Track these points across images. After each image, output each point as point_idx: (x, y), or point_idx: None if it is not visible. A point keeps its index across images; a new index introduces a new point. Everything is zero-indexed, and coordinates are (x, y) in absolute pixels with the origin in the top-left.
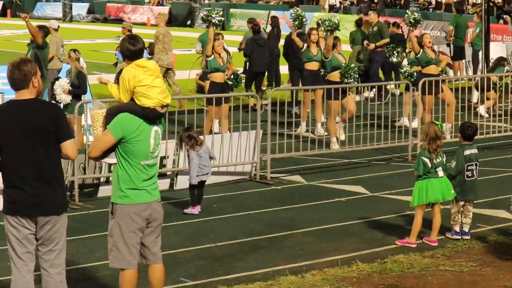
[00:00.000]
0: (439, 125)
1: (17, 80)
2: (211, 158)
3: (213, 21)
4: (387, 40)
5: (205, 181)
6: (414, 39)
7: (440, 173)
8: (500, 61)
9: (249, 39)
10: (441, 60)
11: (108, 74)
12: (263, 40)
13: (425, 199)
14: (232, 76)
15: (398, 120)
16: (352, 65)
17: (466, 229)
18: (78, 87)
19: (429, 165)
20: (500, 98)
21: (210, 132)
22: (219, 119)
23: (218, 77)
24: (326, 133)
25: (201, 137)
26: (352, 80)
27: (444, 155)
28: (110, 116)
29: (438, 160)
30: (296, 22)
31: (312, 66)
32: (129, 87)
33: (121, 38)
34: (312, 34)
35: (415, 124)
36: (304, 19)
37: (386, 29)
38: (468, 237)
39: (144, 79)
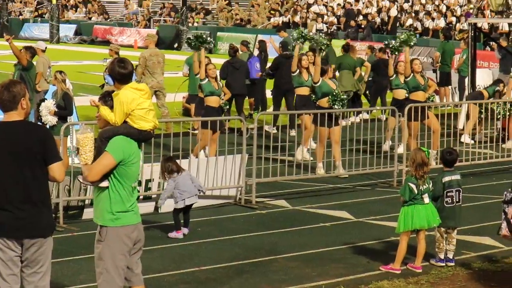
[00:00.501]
0: (426, 152)
1: (6, 101)
2: (200, 191)
3: (205, 45)
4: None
5: (190, 205)
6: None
7: (426, 199)
8: (498, 82)
9: (225, 62)
10: (429, 86)
11: (95, 95)
12: (239, 63)
13: (410, 225)
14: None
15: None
16: (341, 91)
17: (450, 255)
18: (64, 109)
19: (415, 191)
20: (486, 124)
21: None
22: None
23: (213, 101)
24: (311, 158)
25: (189, 158)
26: (340, 107)
27: (431, 181)
28: (105, 139)
29: (424, 186)
30: (299, 40)
31: (303, 91)
32: (127, 110)
33: (108, 60)
34: (303, 59)
35: (401, 149)
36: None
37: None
38: (452, 264)
39: (142, 102)
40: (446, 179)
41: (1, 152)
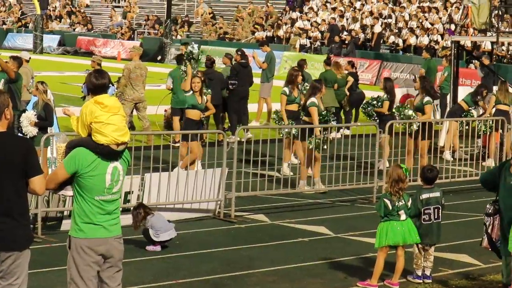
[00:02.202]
0: (404, 169)
1: None
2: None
3: (194, 57)
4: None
5: (166, 240)
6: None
7: (403, 216)
8: (477, 91)
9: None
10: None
11: (77, 107)
12: (214, 75)
13: (384, 241)
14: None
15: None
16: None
17: (427, 272)
18: (45, 119)
19: (390, 207)
20: (466, 142)
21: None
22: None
23: (194, 115)
24: (291, 173)
25: (169, 172)
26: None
27: (410, 198)
28: (68, 149)
29: (400, 203)
30: None
31: (292, 107)
32: (86, 122)
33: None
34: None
35: (381, 166)
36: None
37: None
38: (429, 281)
39: (99, 116)
40: (424, 196)
41: None
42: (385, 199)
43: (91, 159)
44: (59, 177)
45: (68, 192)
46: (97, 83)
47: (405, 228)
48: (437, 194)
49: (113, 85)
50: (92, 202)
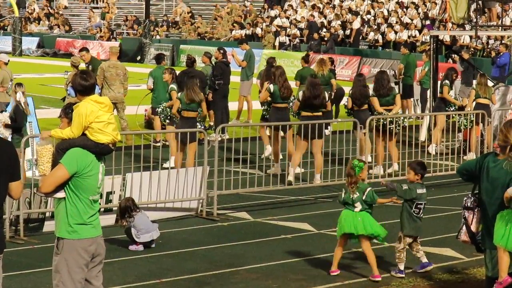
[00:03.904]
0: (357, 164)
1: None
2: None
3: None
4: None
5: (149, 241)
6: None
7: (358, 208)
8: (451, 72)
9: (180, 72)
10: (395, 104)
11: (56, 108)
12: (193, 73)
13: (339, 230)
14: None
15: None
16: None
17: (424, 259)
18: (15, 121)
19: (342, 198)
20: (447, 136)
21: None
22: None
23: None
24: (303, 169)
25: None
26: None
27: (367, 190)
28: (61, 150)
29: (355, 195)
30: None
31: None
32: (85, 122)
33: (69, 73)
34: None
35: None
36: None
37: None
38: (431, 266)
39: (101, 115)
40: (419, 191)
41: None
42: (342, 191)
43: (90, 159)
44: (60, 179)
45: (61, 194)
46: (86, 84)
47: (357, 219)
48: (425, 190)
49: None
50: (86, 202)
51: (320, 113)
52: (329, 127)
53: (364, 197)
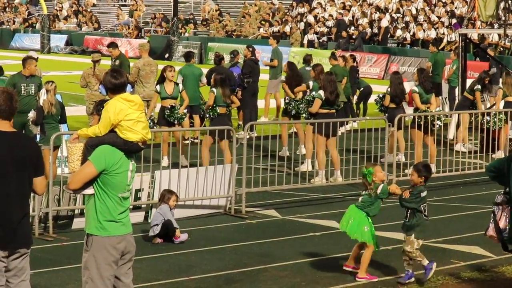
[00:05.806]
0: (366, 173)
1: (7, 111)
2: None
3: None
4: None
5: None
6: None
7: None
8: (484, 76)
9: (208, 70)
10: (431, 103)
11: (84, 106)
12: (222, 71)
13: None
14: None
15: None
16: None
17: (411, 269)
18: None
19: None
20: (475, 135)
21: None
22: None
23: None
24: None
25: (179, 168)
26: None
27: (372, 191)
28: (90, 147)
29: (363, 192)
30: None
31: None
32: (114, 120)
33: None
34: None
35: (390, 159)
36: None
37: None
38: (413, 279)
39: (131, 114)
40: (423, 194)
41: (8, 162)
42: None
43: (118, 156)
44: (88, 176)
45: (90, 190)
46: (117, 83)
47: (353, 219)
48: (426, 193)
49: (129, 83)
50: (115, 199)
51: (333, 111)
52: (346, 125)
53: (379, 192)
